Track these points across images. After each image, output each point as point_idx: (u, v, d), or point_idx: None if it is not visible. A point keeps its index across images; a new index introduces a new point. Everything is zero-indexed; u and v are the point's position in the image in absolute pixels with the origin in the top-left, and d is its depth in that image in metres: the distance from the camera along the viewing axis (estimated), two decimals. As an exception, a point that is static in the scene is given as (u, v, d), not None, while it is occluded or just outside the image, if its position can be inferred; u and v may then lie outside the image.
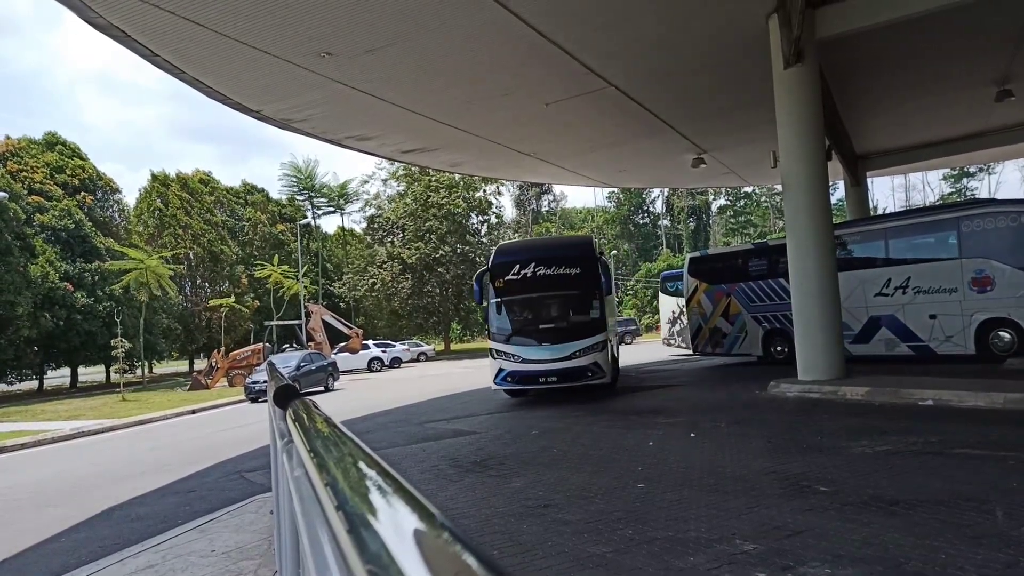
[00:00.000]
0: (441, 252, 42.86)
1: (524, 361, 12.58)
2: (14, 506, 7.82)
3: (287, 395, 2.29)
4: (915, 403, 9.50)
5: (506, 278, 13.09)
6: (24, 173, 37.39)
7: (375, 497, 0.59)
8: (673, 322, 25.32)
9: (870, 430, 7.79)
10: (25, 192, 35.77)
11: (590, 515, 5.16)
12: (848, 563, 3.86)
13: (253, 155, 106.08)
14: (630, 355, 25.43)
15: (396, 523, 0.50)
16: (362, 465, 0.75)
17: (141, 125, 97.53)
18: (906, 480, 5.59)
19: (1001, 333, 13.43)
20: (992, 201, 15.88)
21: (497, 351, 13.01)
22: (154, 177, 48.34)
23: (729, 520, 4.81)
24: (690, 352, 22.72)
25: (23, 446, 14.41)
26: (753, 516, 4.86)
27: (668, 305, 25.74)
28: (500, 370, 12.89)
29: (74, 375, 40.53)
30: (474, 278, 14.05)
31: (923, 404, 9.39)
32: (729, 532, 4.54)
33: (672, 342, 25.76)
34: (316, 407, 1.64)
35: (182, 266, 44.81)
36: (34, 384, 39.02)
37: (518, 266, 13.05)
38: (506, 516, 5.34)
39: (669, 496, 5.57)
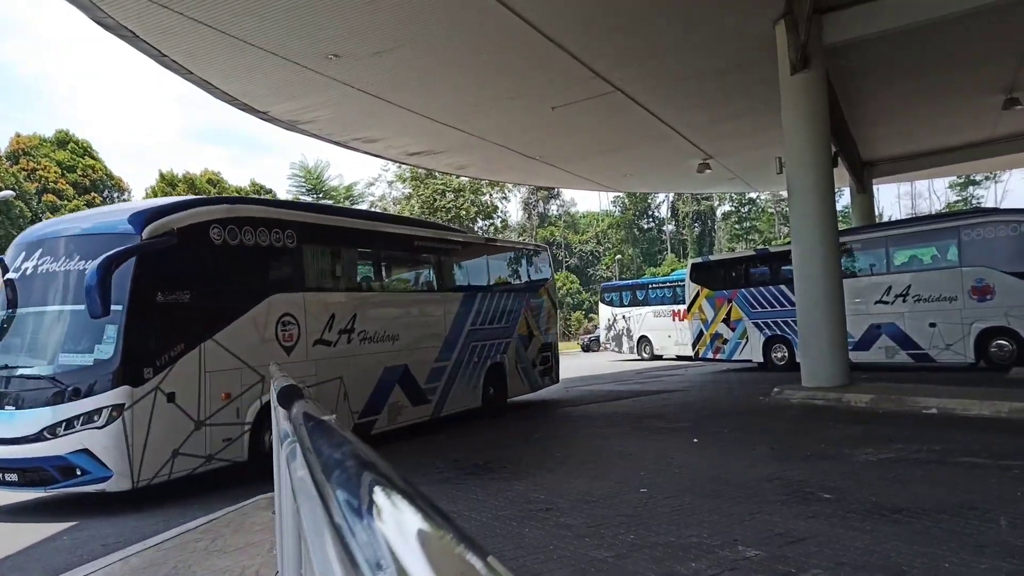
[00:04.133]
0: None
1: None
2: None
3: (291, 396, 2.30)
4: (919, 411, 9.46)
5: (7, 276, 7.53)
6: (39, 172, 37.50)
7: (378, 498, 0.60)
8: (608, 329, 28.47)
9: (874, 438, 7.76)
10: (35, 192, 35.89)
11: (592, 519, 5.15)
12: (850, 571, 3.85)
13: (261, 157, 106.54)
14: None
15: (399, 524, 0.50)
16: (365, 466, 0.75)
17: (145, 126, 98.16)
18: (909, 488, 5.57)
19: (1000, 342, 13.41)
20: (992, 210, 15.87)
21: None
22: (162, 177, 48.47)
23: (731, 526, 4.79)
24: (632, 357, 26.28)
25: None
26: (755, 522, 4.84)
27: (605, 313, 28.82)
28: None
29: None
30: None
31: (927, 412, 9.35)
32: (731, 538, 4.52)
33: (607, 347, 29.04)
34: (320, 408, 1.64)
35: None
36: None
37: (23, 255, 7.42)
38: (508, 519, 5.33)
39: (671, 501, 5.55)
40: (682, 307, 23.45)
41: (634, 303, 26.93)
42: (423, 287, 11.42)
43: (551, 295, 14.52)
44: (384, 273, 10.92)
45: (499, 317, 12.18)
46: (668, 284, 26.23)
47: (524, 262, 13.90)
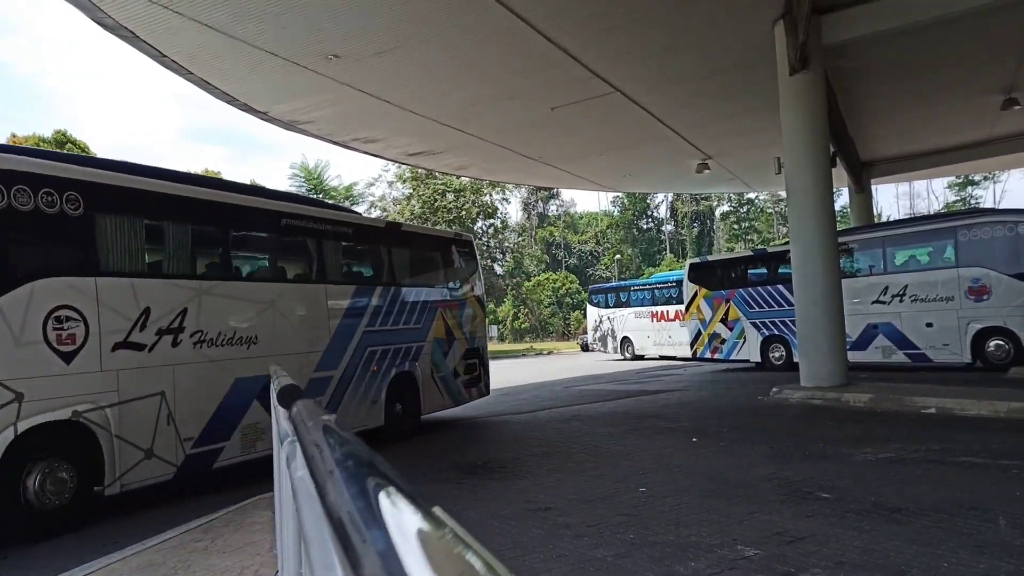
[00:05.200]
0: None
1: None
2: None
3: (290, 395, 2.30)
4: (918, 411, 9.48)
5: None
6: None
7: (378, 498, 0.60)
8: (595, 329, 29.65)
9: (873, 437, 7.77)
10: None
11: (591, 519, 5.16)
12: (849, 570, 3.85)
13: (258, 157, 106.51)
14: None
15: (399, 523, 0.50)
16: (365, 466, 0.76)
17: (144, 126, 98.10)
18: (908, 488, 5.58)
19: (997, 342, 13.44)
20: (989, 211, 15.92)
21: None
22: (161, 176, 48.32)
23: (730, 525, 4.80)
24: (616, 357, 27.38)
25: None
26: (754, 522, 4.85)
27: (592, 314, 29.86)
28: None
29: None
30: None
31: (926, 412, 9.37)
32: (730, 537, 4.53)
33: (596, 347, 29.77)
34: (319, 408, 1.65)
35: None
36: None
37: None
38: (507, 518, 5.34)
39: (670, 501, 5.56)
40: (660, 308, 25.29)
41: (618, 304, 28.03)
42: (296, 277, 8.97)
43: (477, 292, 12.48)
44: (234, 257, 8.35)
45: (408, 317, 10.28)
46: (648, 287, 27.46)
47: (442, 253, 11.74)
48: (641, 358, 26.44)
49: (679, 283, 24.30)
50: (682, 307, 23.50)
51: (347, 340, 9.08)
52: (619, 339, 27.70)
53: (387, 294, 9.95)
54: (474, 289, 12.31)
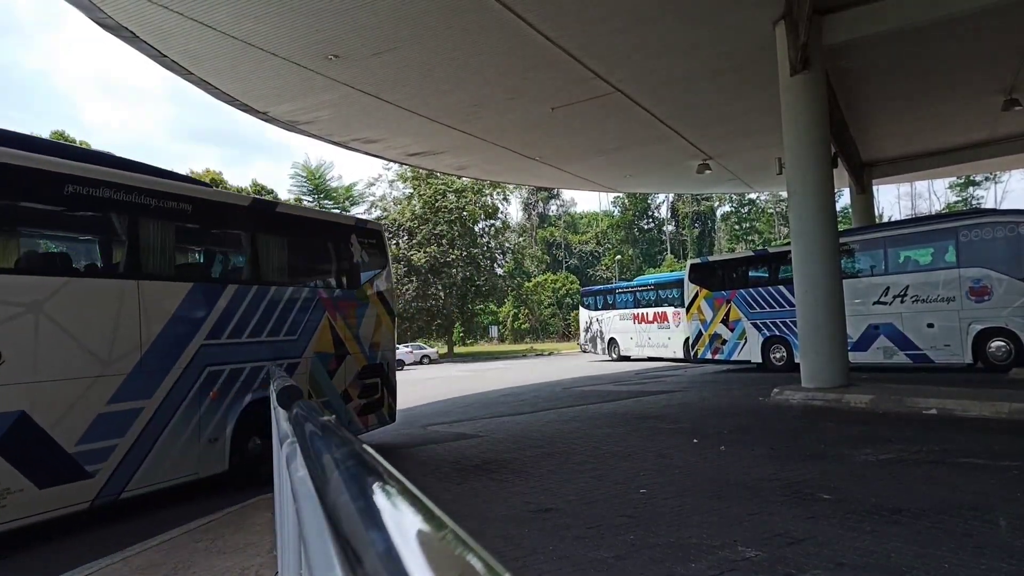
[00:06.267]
0: (453, 256, 42.98)
1: None
2: None
3: (290, 396, 2.30)
4: (919, 412, 9.47)
5: None
6: None
7: (378, 498, 0.60)
8: (587, 330, 30.47)
9: (874, 438, 7.77)
10: None
11: (591, 520, 5.15)
12: (850, 571, 3.85)
13: (257, 157, 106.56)
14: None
15: (399, 524, 0.50)
16: (365, 466, 0.76)
17: (143, 127, 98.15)
18: (909, 489, 5.57)
19: (998, 343, 13.44)
20: (990, 211, 15.93)
21: None
22: (161, 177, 48.30)
23: (731, 527, 4.79)
24: (604, 358, 28.19)
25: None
26: (755, 523, 4.85)
27: (585, 316, 30.54)
28: None
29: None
30: None
31: (927, 413, 9.36)
32: (731, 539, 4.52)
33: (587, 349, 30.69)
34: (319, 409, 1.65)
35: None
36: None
37: None
38: (507, 520, 5.33)
39: (671, 502, 5.55)
40: (640, 311, 26.18)
41: (606, 307, 28.79)
42: (88, 270, 6.73)
43: (384, 295, 9.92)
44: None
45: (276, 325, 7.89)
46: (630, 289, 28.07)
47: (337, 244, 9.36)
48: (627, 359, 27.09)
49: (658, 286, 25.38)
50: (660, 310, 24.48)
51: (171, 358, 6.64)
52: (607, 340, 28.51)
53: (245, 295, 7.49)
54: (379, 289, 9.88)
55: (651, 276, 35.56)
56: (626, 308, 27.18)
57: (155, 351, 6.47)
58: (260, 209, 8.71)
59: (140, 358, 6.33)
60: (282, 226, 8.53)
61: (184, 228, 7.28)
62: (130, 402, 6.23)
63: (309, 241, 9.02)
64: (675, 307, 24.32)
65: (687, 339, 23.10)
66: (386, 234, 10.77)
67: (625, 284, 31.43)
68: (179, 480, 6.66)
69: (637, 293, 27.02)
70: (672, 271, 40.16)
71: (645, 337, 26.03)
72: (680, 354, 24.07)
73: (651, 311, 25.67)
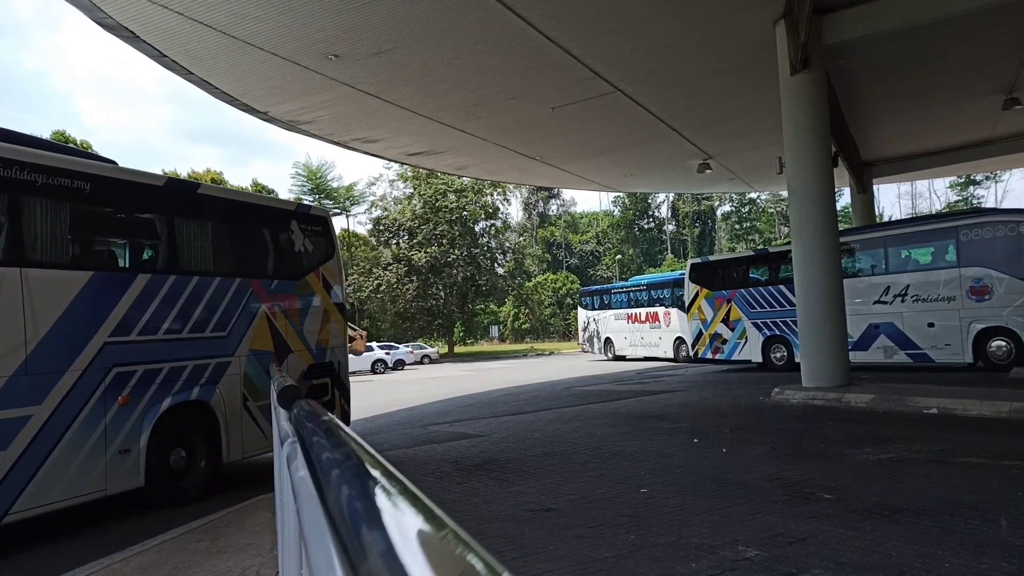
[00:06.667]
0: (453, 255, 43.00)
1: None
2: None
3: (291, 396, 2.30)
4: (919, 411, 9.47)
5: None
6: None
7: (378, 498, 0.60)
8: (584, 330, 30.88)
9: (874, 438, 7.77)
10: None
11: (592, 519, 5.15)
12: (851, 570, 3.85)
13: (257, 157, 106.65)
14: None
15: (400, 524, 0.50)
16: (365, 466, 0.75)
17: (143, 126, 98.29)
18: (910, 488, 5.57)
19: (998, 342, 13.43)
20: (990, 210, 15.92)
21: None
22: (162, 177, 48.22)
23: (732, 526, 4.79)
24: (601, 358, 28.65)
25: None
26: (756, 522, 4.84)
27: (583, 316, 30.91)
28: None
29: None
30: None
31: (928, 412, 9.36)
32: (732, 538, 4.52)
33: (585, 348, 30.87)
34: (320, 408, 1.65)
35: None
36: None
37: None
38: (508, 519, 5.33)
39: (672, 501, 5.55)
40: (633, 311, 26.54)
41: (602, 307, 29.14)
42: None
43: (332, 288, 9.17)
44: None
45: (201, 320, 7.15)
46: (624, 290, 28.45)
47: (274, 231, 8.55)
48: (623, 359, 27.33)
49: (650, 286, 25.66)
50: (652, 310, 24.89)
51: (67, 358, 5.86)
52: (603, 340, 28.83)
53: (159, 286, 6.75)
54: (326, 283, 9.07)
55: (645, 276, 35.74)
56: (621, 308, 27.56)
57: (44, 350, 5.63)
58: (177, 190, 7.81)
59: (24, 358, 5.49)
60: (205, 210, 7.69)
61: (82, 209, 6.38)
62: (13, 410, 5.39)
63: (239, 227, 8.09)
64: (666, 307, 24.81)
65: (677, 339, 23.39)
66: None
67: (620, 284, 31.78)
68: (82, 498, 5.85)
69: (631, 293, 27.41)
70: (672, 271, 40.27)
71: (638, 336, 26.40)
72: (671, 354, 24.27)
73: (643, 311, 26.04)
